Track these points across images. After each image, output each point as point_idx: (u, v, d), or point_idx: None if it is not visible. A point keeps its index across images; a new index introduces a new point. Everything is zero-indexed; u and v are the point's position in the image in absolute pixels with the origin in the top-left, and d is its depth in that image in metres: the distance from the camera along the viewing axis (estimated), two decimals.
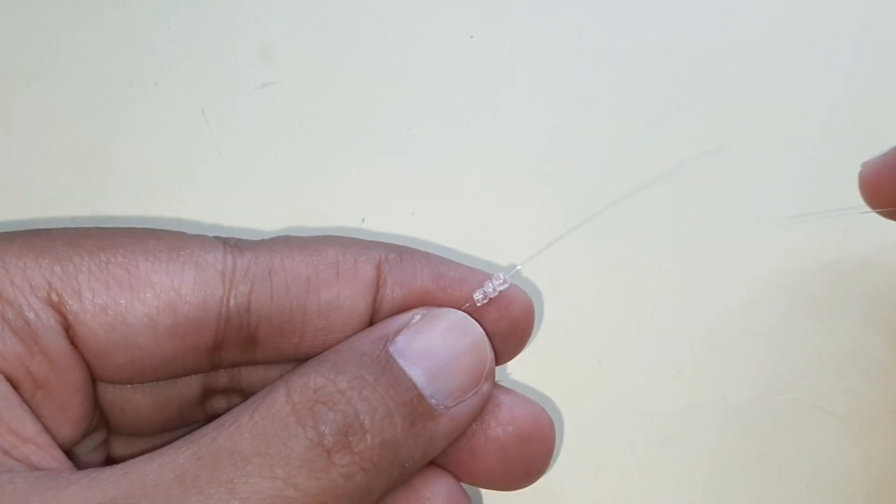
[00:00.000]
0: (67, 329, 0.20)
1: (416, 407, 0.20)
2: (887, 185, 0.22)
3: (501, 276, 0.23)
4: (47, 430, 0.19)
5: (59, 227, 0.31)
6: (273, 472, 0.18)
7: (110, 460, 0.23)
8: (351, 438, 0.19)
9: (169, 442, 0.23)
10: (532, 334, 0.24)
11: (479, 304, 0.23)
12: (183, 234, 0.22)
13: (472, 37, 0.33)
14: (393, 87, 0.33)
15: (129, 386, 0.22)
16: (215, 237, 0.22)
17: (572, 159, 0.32)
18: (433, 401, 0.20)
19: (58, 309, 0.20)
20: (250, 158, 0.32)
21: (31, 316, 0.19)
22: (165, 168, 0.32)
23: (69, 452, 0.20)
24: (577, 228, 0.26)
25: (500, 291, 0.23)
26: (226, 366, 0.22)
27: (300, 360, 0.23)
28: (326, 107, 0.33)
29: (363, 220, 0.31)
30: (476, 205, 0.31)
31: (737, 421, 0.28)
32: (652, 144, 0.32)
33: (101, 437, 0.23)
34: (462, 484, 0.23)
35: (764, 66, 0.32)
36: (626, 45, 0.33)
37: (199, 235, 0.22)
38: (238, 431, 0.19)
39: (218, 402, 0.24)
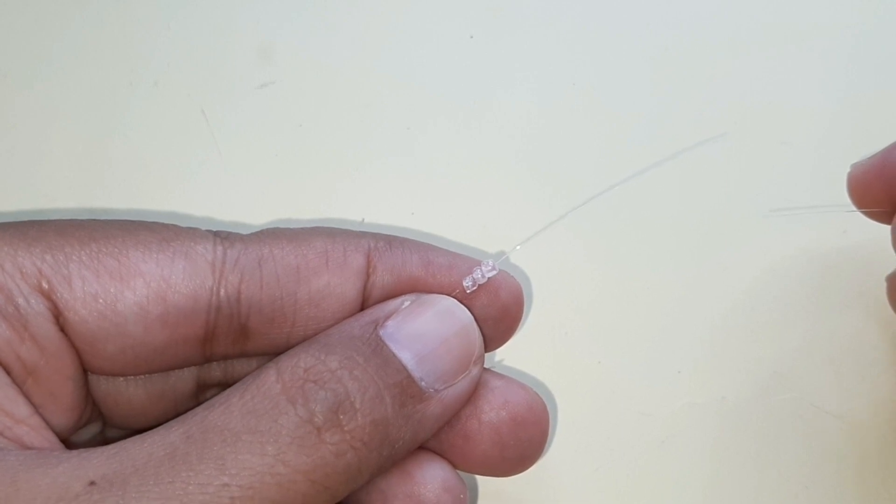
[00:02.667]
0: (58, 316, 0.20)
1: (406, 388, 0.20)
2: (874, 187, 0.22)
3: (490, 262, 0.23)
4: (38, 413, 0.20)
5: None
6: (263, 448, 0.18)
7: None
8: (341, 417, 0.19)
9: None
10: (522, 319, 0.24)
11: (468, 291, 0.23)
12: (175, 226, 0.22)
13: (472, 37, 0.33)
14: (393, 87, 0.33)
15: (122, 379, 0.22)
16: (206, 230, 0.22)
17: (573, 160, 0.32)
18: (423, 383, 0.21)
19: (48, 296, 0.20)
20: (250, 158, 0.32)
21: (21, 302, 0.19)
22: (165, 168, 0.32)
23: (64, 442, 0.20)
24: (569, 216, 0.26)
25: (490, 278, 0.23)
26: (218, 358, 0.22)
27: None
28: (326, 107, 0.33)
29: (363, 219, 0.31)
30: (476, 205, 0.31)
31: (736, 420, 0.28)
32: (653, 142, 0.32)
33: (96, 430, 0.23)
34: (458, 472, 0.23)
35: (762, 61, 0.32)
36: (625, 44, 0.33)
37: (191, 228, 0.22)
38: (228, 410, 0.19)
39: (212, 395, 0.24)
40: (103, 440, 0.23)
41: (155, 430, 0.19)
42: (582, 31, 0.33)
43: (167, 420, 0.23)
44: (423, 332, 0.21)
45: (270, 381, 0.19)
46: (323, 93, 0.33)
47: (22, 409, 0.19)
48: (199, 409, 0.19)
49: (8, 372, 0.19)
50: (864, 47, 0.32)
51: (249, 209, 0.32)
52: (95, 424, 0.23)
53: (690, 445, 0.28)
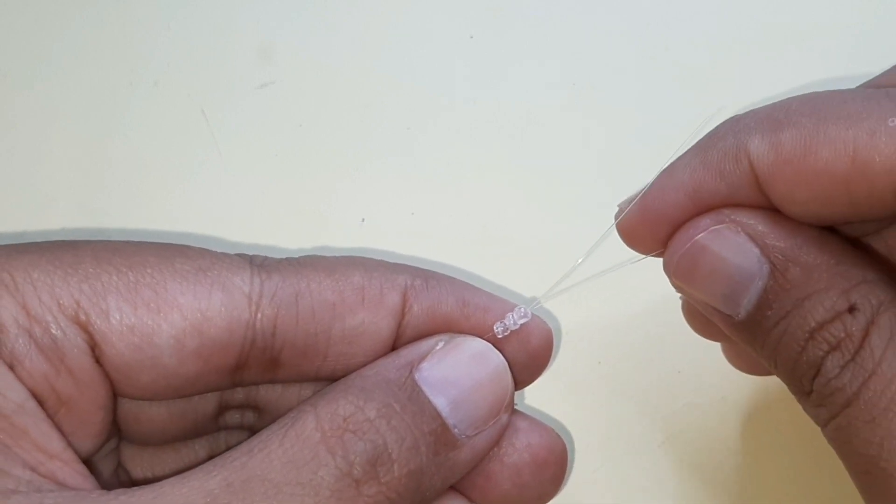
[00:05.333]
0: (94, 348, 0.20)
1: (440, 436, 0.20)
2: (643, 235, 0.22)
3: (522, 309, 0.23)
4: (70, 445, 0.19)
5: (62, 230, 0.31)
6: (303, 501, 0.18)
7: (121, 467, 0.23)
8: (379, 469, 0.19)
9: (179, 451, 0.23)
10: (549, 365, 0.24)
11: (499, 336, 0.23)
12: (210, 252, 0.22)
13: (471, 37, 0.33)
14: (393, 87, 0.33)
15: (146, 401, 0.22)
16: (240, 255, 0.22)
17: (573, 160, 0.32)
18: (456, 430, 0.21)
19: (85, 328, 0.20)
20: (250, 158, 0.32)
21: (58, 334, 0.19)
22: (165, 168, 0.32)
23: (85, 462, 0.20)
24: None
25: (521, 324, 0.23)
26: (246, 384, 0.23)
27: (320, 380, 0.23)
28: (326, 107, 0.33)
29: (363, 220, 0.31)
30: (476, 205, 0.31)
31: (736, 420, 0.28)
32: (653, 141, 0.32)
33: (113, 445, 0.23)
34: None
35: (762, 61, 0.32)
36: (625, 44, 0.33)
37: (226, 255, 0.22)
38: (268, 458, 0.19)
39: (231, 417, 0.24)
40: (118, 454, 0.23)
41: (193, 472, 0.19)
42: (582, 31, 0.33)
43: (185, 437, 0.23)
44: (458, 376, 0.21)
45: (310, 429, 0.19)
46: (323, 93, 0.33)
47: (55, 443, 0.19)
48: (237, 454, 0.19)
49: (42, 403, 0.19)
50: (864, 47, 0.32)
51: (249, 209, 0.32)
52: (112, 440, 0.23)
53: (690, 445, 0.28)
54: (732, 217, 0.20)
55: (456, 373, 0.21)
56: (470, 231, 0.31)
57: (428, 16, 0.33)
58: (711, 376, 0.29)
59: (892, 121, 0.17)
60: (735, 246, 0.20)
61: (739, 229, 0.20)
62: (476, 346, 0.22)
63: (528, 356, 0.23)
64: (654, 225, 0.22)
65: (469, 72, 0.33)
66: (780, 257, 0.20)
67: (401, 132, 0.32)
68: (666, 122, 0.32)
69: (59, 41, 0.33)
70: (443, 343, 0.22)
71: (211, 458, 0.24)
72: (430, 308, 0.23)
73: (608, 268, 0.24)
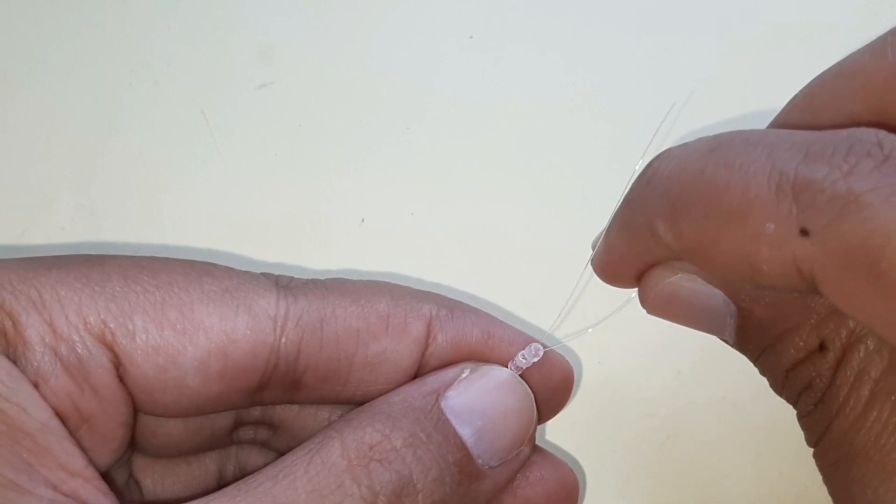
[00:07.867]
0: (118, 367, 0.20)
1: (465, 467, 0.20)
2: (619, 277, 0.21)
3: (533, 347, 0.23)
4: (91, 462, 0.19)
5: (61, 230, 0.31)
6: None
7: (131, 478, 0.24)
8: (404, 500, 0.19)
9: (191, 464, 0.24)
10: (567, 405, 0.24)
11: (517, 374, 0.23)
12: (236, 272, 0.22)
13: (471, 37, 0.33)
14: (393, 87, 0.33)
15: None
16: (266, 275, 0.22)
17: (573, 161, 0.32)
18: (480, 461, 0.21)
19: (110, 348, 0.20)
20: (250, 158, 0.32)
21: (83, 353, 0.19)
22: (165, 168, 0.32)
23: (101, 474, 0.20)
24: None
25: (539, 359, 0.23)
26: (265, 404, 0.23)
27: (339, 403, 0.23)
28: (326, 107, 0.33)
29: (363, 220, 0.31)
30: (476, 205, 0.31)
31: (736, 420, 0.28)
32: (651, 144, 0.32)
33: (127, 456, 0.23)
34: None
35: (763, 62, 0.32)
36: (625, 44, 0.33)
37: (252, 275, 0.22)
38: (293, 485, 0.19)
39: (245, 432, 0.24)
40: (130, 465, 0.23)
41: (216, 497, 0.19)
42: (582, 32, 0.33)
43: (199, 451, 0.24)
44: (484, 405, 0.21)
45: (335, 456, 0.19)
46: (323, 93, 0.33)
47: (77, 461, 0.19)
48: (261, 478, 0.19)
49: (64, 421, 0.19)
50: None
51: (249, 209, 0.32)
52: (126, 452, 0.23)
53: (691, 445, 0.28)
54: (682, 268, 0.19)
55: (482, 402, 0.21)
56: (470, 231, 0.31)
57: (428, 16, 0.33)
58: (711, 376, 0.29)
59: (770, 227, 0.16)
60: (696, 292, 0.19)
61: (696, 276, 0.19)
62: (502, 375, 0.22)
63: (549, 392, 0.23)
64: (613, 278, 0.21)
65: (469, 72, 0.33)
66: (744, 297, 0.19)
67: (401, 132, 0.32)
68: (667, 122, 0.32)
69: (59, 41, 0.33)
70: (468, 371, 0.22)
71: (220, 471, 0.24)
72: (455, 339, 0.22)
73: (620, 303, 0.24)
